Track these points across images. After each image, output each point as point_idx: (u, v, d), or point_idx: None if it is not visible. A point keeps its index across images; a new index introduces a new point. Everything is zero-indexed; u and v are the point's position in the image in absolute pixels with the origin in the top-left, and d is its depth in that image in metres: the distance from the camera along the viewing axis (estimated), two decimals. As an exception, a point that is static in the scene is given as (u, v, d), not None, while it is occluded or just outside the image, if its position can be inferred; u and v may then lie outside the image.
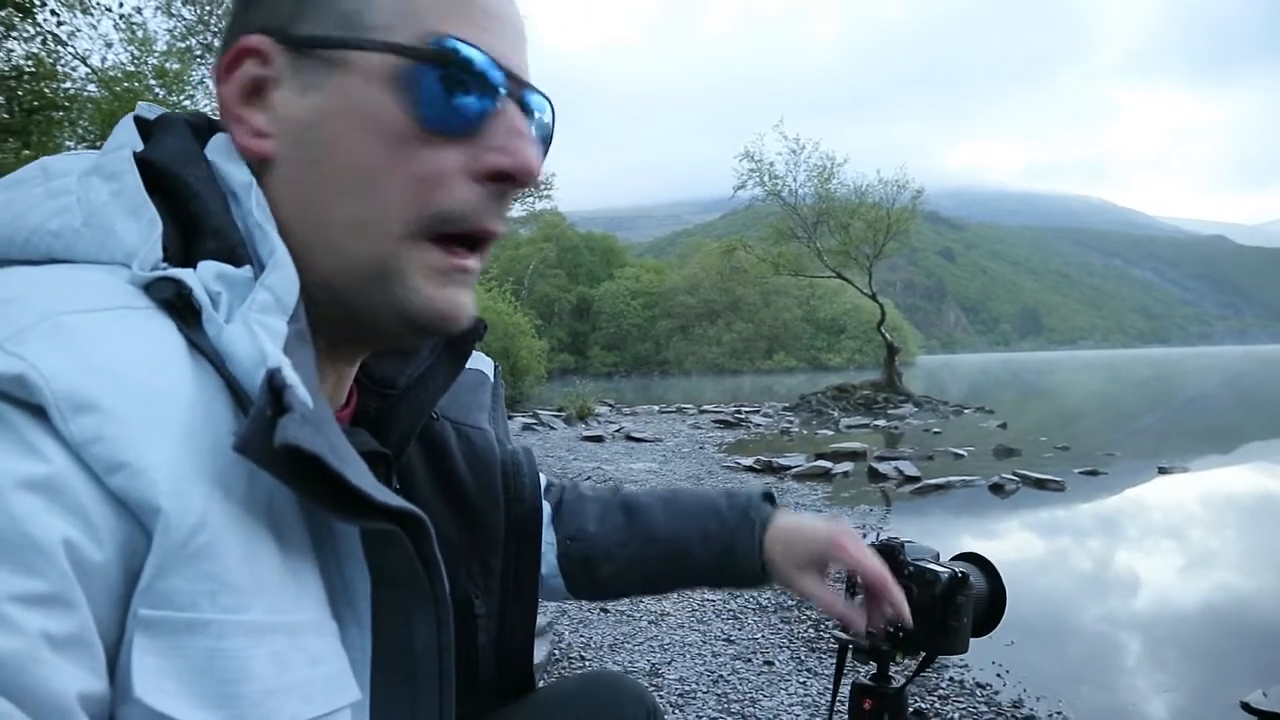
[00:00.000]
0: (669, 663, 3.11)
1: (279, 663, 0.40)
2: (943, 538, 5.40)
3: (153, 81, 12.51)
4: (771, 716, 2.66)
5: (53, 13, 9.72)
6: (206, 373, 0.42)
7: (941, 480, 7.46)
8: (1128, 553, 5.32)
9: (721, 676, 2.98)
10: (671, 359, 68.41)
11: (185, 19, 13.37)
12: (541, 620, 3.24)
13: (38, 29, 9.87)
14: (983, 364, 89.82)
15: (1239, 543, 5.60)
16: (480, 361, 0.86)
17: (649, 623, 3.57)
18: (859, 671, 0.98)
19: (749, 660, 3.14)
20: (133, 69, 12.58)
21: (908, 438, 11.69)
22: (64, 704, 0.34)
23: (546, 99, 0.58)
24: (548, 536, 0.89)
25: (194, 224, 0.48)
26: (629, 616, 3.66)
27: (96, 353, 0.39)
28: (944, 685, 2.95)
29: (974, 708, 2.77)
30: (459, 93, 0.50)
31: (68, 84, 11.14)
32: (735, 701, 2.77)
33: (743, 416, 15.70)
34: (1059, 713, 2.74)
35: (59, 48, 10.66)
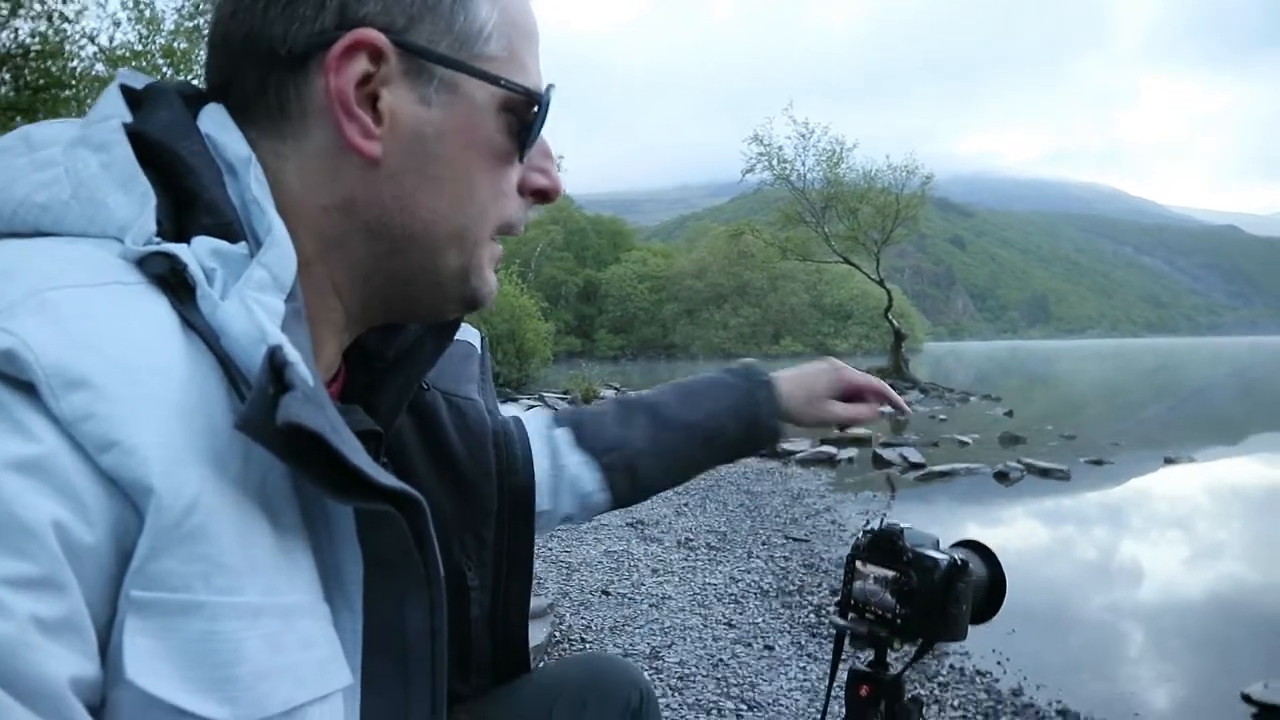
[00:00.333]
0: (669, 646, 3.12)
1: (272, 645, 0.40)
2: (946, 524, 5.40)
3: (160, 60, 12.49)
4: (771, 701, 2.67)
5: (60, -10, 9.71)
6: (200, 350, 0.42)
7: (946, 467, 7.46)
8: (1131, 543, 5.32)
9: (721, 660, 2.99)
10: (678, 343, 68.24)
11: (193, -2, 13.32)
12: (542, 602, 3.27)
13: (45, 6, 9.85)
14: (990, 351, 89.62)
15: (1243, 534, 5.59)
16: (468, 333, 0.86)
17: (650, 606, 3.59)
18: (858, 658, 0.98)
19: (749, 645, 3.15)
20: (140, 48, 12.57)
21: (913, 424, 11.66)
22: (55, 689, 0.34)
23: None
24: (577, 456, 0.91)
25: (187, 198, 0.47)
26: (630, 600, 3.67)
27: (87, 329, 0.38)
28: (944, 672, 2.96)
29: (974, 695, 2.78)
30: (540, 128, 0.58)
31: (75, 62, 11.13)
32: (735, 685, 2.78)
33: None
34: (1059, 701, 2.75)
35: (66, 25, 10.64)
